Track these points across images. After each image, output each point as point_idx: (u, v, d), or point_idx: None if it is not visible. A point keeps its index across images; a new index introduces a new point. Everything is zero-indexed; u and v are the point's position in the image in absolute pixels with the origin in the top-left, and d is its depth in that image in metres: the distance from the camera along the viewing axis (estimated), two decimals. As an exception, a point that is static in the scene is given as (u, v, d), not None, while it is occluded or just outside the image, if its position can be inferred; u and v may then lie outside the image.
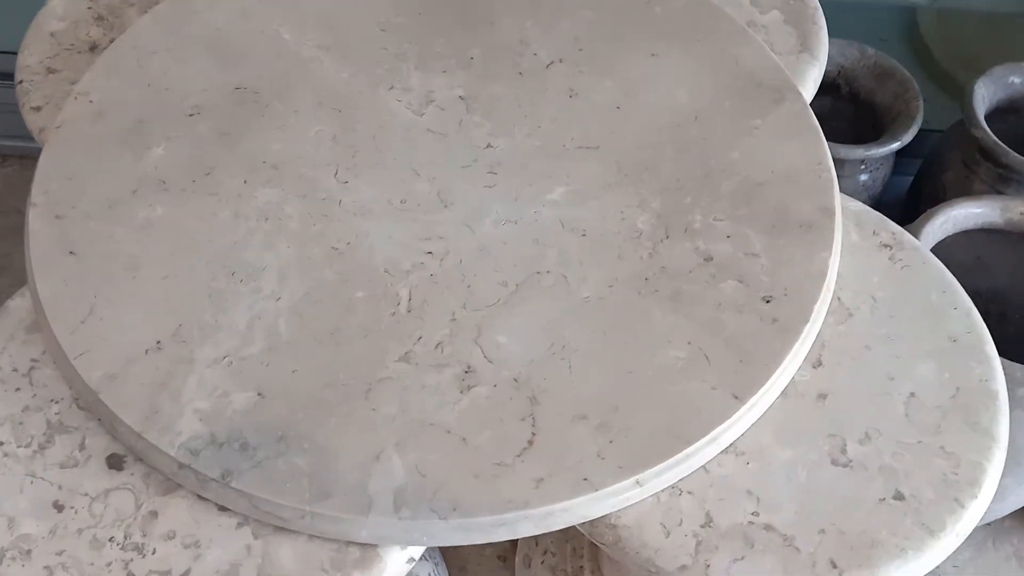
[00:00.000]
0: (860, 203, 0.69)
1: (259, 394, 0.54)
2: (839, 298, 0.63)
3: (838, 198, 0.65)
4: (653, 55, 0.73)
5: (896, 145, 0.95)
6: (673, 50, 0.73)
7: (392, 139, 0.67)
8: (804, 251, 0.62)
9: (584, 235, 0.62)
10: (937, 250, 0.85)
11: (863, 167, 0.97)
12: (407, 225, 0.62)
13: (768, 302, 0.59)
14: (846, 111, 1.06)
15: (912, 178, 1.10)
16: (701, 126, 0.68)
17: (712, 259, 0.61)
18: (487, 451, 0.52)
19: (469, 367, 0.56)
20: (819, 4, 0.82)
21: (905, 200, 1.07)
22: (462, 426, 0.53)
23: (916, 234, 0.82)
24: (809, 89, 0.77)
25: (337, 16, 0.74)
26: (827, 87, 1.05)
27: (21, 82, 0.72)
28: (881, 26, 1.16)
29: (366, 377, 0.55)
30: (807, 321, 0.58)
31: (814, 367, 0.60)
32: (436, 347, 0.56)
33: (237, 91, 0.69)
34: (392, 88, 0.70)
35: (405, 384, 0.55)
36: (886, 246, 0.66)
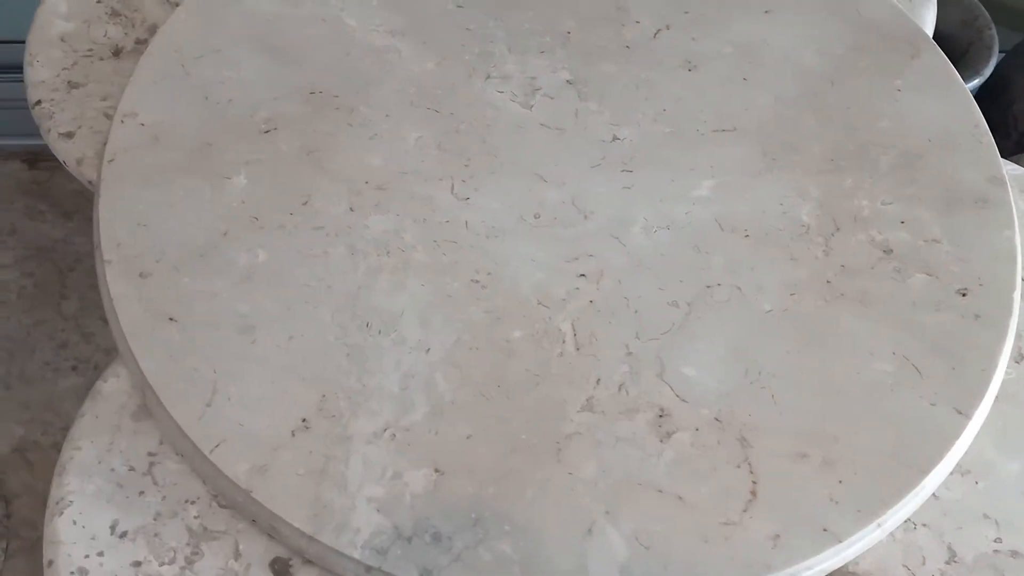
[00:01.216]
0: (1015, 166, 0.64)
1: (436, 470, 0.46)
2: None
3: (1001, 164, 0.59)
4: (767, 12, 0.65)
5: (978, 81, 0.89)
6: (787, 4, 0.65)
7: (504, 140, 0.58)
8: (986, 230, 0.56)
9: (747, 235, 0.55)
10: None
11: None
12: (549, 244, 0.54)
13: (964, 295, 0.53)
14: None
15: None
16: (840, 92, 0.61)
17: (892, 251, 0.55)
18: (709, 509, 0.46)
19: (662, 410, 0.49)
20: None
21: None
22: (674, 482, 0.47)
23: None
24: (928, 31, 0.70)
25: (404, -7, 0.64)
26: (881, 16, 0.98)
27: (39, 102, 0.60)
28: None
29: (551, 434, 0.48)
30: (1011, 314, 0.53)
31: (1016, 362, 0.55)
32: (619, 389, 0.49)
33: (312, 96, 0.59)
34: (489, 77, 0.61)
35: (597, 438, 0.48)
36: (1057, 213, 0.61)
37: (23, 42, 0.64)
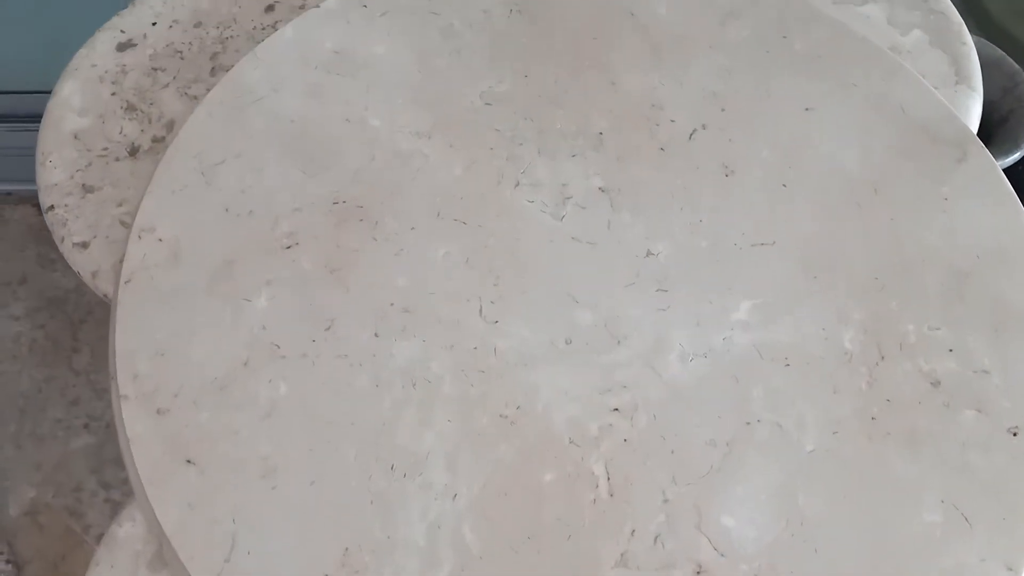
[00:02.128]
0: (1067, 278, 0.61)
1: (464, 634, 0.44)
2: (1076, 408, 0.55)
3: (1056, 283, 0.57)
4: (807, 109, 0.62)
5: (1019, 155, 0.86)
6: (829, 100, 0.63)
7: (534, 255, 0.56)
8: (1038, 362, 0.54)
9: (788, 364, 0.53)
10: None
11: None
12: (581, 372, 0.52)
13: (1015, 435, 0.51)
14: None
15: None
16: (884, 201, 0.59)
17: (940, 383, 0.53)
18: None
19: (700, 566, 0.47)
20: (960, 18, 0.71)
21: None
22: (713, 648, 0.45)
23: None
24: (973, 128, 0.67)
25: (429, 88, 0.62)
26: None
27: (52, 208, 0.58)
28: None
29: (584, 593, 0.46)
30: (1065, 456, 0.51)
31: (1069, 503, 0.53)
32: (655, 541, 0.47)
33: (336, 206, 0.57)
34: (519, 185, 0.58)
35: (632, 597, 0.46)
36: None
37: (32, 92, 0.62)
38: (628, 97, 0.62)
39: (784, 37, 0.65)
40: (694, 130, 0.61)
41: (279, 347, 0.51)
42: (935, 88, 0.66)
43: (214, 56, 0.65)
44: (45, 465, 0.97)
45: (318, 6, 0.65)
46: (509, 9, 0.66)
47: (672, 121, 0.61)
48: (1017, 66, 0.90)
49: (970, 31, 0.94)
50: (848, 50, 0.65)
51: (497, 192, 0.58)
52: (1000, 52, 0.91)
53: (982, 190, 0.60)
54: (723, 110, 0.62)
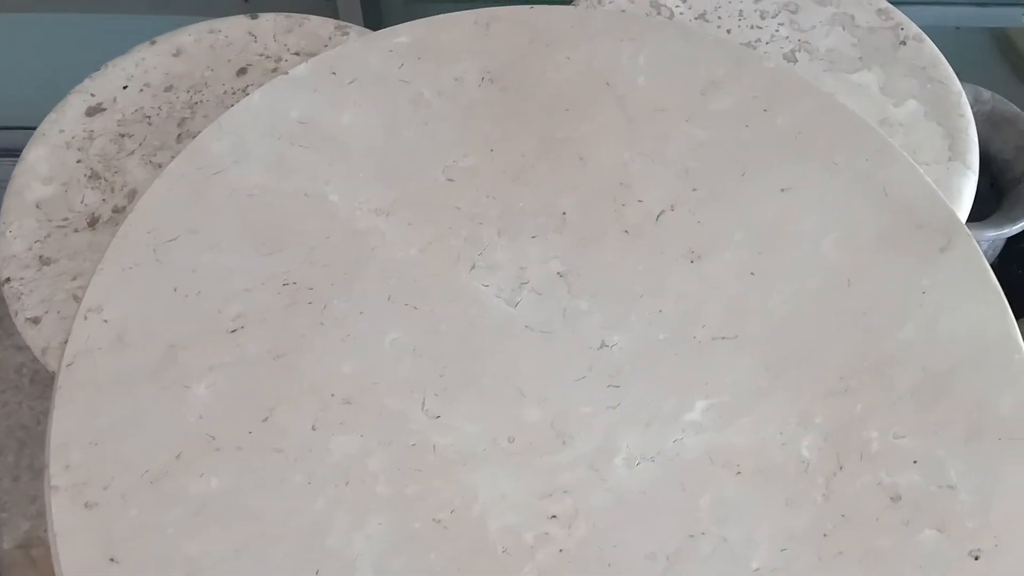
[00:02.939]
0: (1054, 379, 0.58)
1: None
2: (1052, 527, 0.52)
3: (1038, 389, 0.53)
4: (783, 190, 0.60)
5: (1018, 227, 0.82)
6: (807, 180, 0.60)
7: (485, 345, 0.54)
8: (1012, 477, 0.50)
9: (739, 472, 0.50)
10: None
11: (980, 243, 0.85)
12: (522, 475, 0.50)
13: (977, 559, 0.48)
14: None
15: None
16: (858, 293, 0.56)
17: (901, 497, 0.50)
18: None
19: None
20: (961, 88, 0.68)
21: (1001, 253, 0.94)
22: None
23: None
24: (963, 210, 0.64)
25: (394, 163, 0.60)
26: (930, 130, 0.91)
27: (8, 280, 0.58)
28: (966, 50, 1.00)
29: None
30: (1031, 585, 0.48)
31: (1035, 633, 0.50)
32: (584, 663, 0.46)
33: (286, 288, 0.56)
34: (475, 267, 0.57)
35: None
36: (1097, 444, 0.54)
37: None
38: (596, 174, 0.60)
39: (766, 110, 0.63)
40: (662, 211, 0.59)
41: (214, 438, 0.51)
42: (927, 164, 0.63)
43: (182, 122, 0.64)
44: (41, 498, 0.98)
45: (287, 73, 0.64)
46: (481, 77, 0.64)
47: (640, 201, 0.59)
48: (1034, 125, 0.86)
49: (1004, 76, 0.90)
50: (832, 125, 0.62)
51: (452, 274, 0.57)
52: (1016, 109, 0.87)
53: (965, 283, 0.56)
54: (694, 189, 0.60)
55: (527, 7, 0.67)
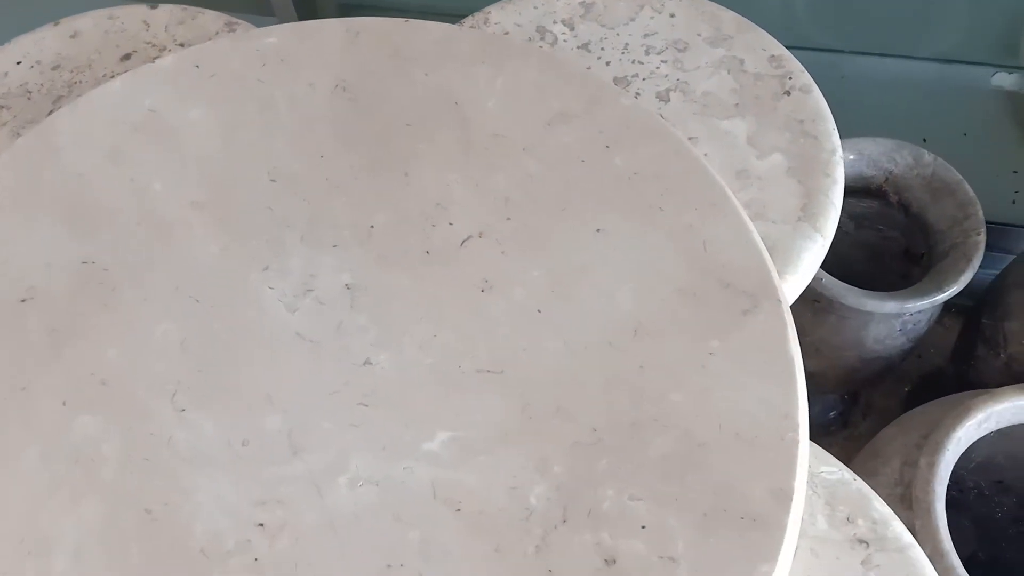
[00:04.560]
0: (841, 467, 0.54)
1: None
2: (782, 620, 0.48)
3: (803, 473, 0.50)
4: (599, 231, 0.58)
5: (941, 297, 0.77)
6: (626, 224, 0.58)
7: (252, 348, 0.54)
8: (740, 560, 0.47)
9: (459, 510, 0.49)
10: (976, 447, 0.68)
11: (903, 314, 0.79)
12: (244, 480, 0.50)
13: (677, 639, 0.45)
14: (898, 218, 0.87)
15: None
16: (640, 347, 0.53)
17: (616, 562, 0.47)
18: None
19: None
20: (839, 146, 0.64)
21: (956, 342, 0.88)
22: None
23: (942, 441, 0.65)
24: (802, 275, 0.60)
25: (224, 160, 0.62)
26: (874, 192, 0.86)
27: None
28: (977, 111, 0.93)
29: None
30: (723, 678, 0.44)
31: None
32: (239, 676, 0.45)
33: (84, 267, 0.57)
34: (267, 269, 0.57)
35: None
36: (862, 542, 0.50)
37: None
38: (416, 192, 0.60)
39: (607, 147, 0.61)
40: (469, 237, 0.58)
41: (-30, 402, 0.53)
42: (772, 223, 0.60)
43: (57, 100, 0.67)
44: None
45: (153, 62, 0.66)
46: (335, 85, 0.65)
47: (450, 224, 0.58)
48: (972, 194, 0.80)
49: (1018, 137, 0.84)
50: (672, 172, 0.60)
51: (243, 275, 0.57)
52: (957, 177, 0.81)
53: (758, 352, 0.53)
54: (508, 219, 0.58)
55: (403, 20, 0.68)
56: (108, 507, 0.50)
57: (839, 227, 0.91)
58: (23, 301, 0.56)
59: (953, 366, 0.94)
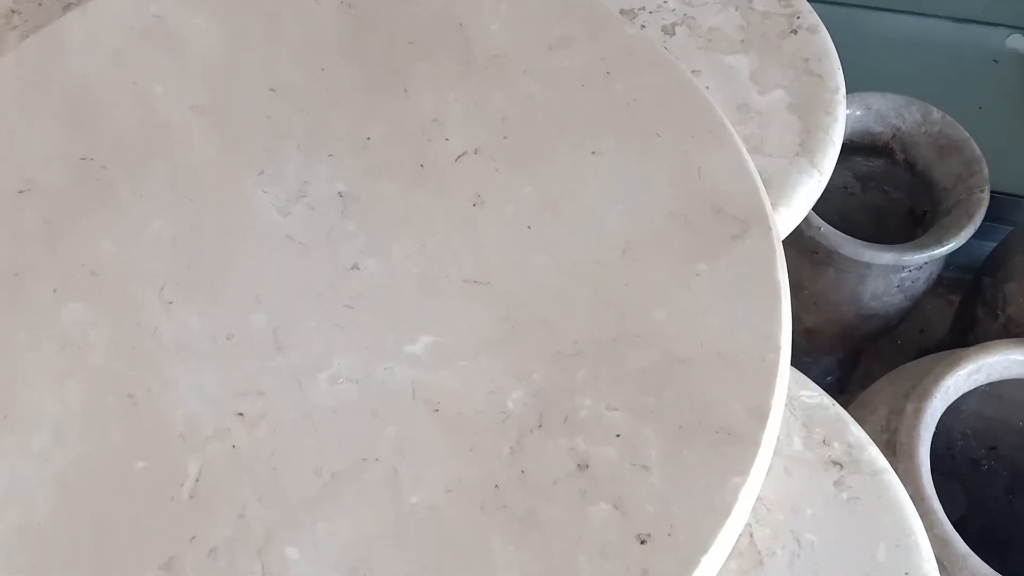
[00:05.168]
0: (820, 392, 0.54)
1: (-12, 594, 0.45)
2: (751, 534, 0.48)
3: (781, 393, 0.50)
4: (594, 153, 0.58)
5: (940, 251, 0.76)
6: (622, 148, 0.58)
7: (242, 247, 0.55)
8: (713, 471, 0.47)
9: (437, 411, 0.49)
10: (962, 402, 0.68)
11: (901, 268, 0.79)
12: (226, 372, 0.51)
13: (643, 543, 0.45)
14: (903, 177, 0.87)
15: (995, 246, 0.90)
16: (627, 266, 0.54)
17: (588, 467, 0.48)
18: None
19: (242, 589, 0.45)
20: (842, 85, 0.64)
21: (957, 310, 0.87)
22: (209, 676, 0.43)
23: (930, 388, 0.65)
24: (797, 208, 0.60)
25: (226, 67, 0.62)
26: (880, 149, 0.85)
27: None
28: (990, 74, 0.92)
29: (117, 587, 0.45)
30: (687, 580, 0.45)
31: (690, 635, 0.46)
32: (209, 554, 0.46)
33: (83, 162, 0.58)
34: (262, 174, 0.58)
35: (160, 603, 0.45)
36: (836, 463, 0.50)
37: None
38: (414, 107, 0.60)
39: (608, 73, 0.61)
40: (464, 152, 0.58)
41: (-37, 284, 0.54)
42: (769, 156, 0.60)
43: (67, 6, 0.68)
44: None
45: (164, -28, 0.66)
46: (341, 1, 0.65)
47: (446, 140, 0.59)
48: (979, 152, 0.80)
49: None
50: (671, 101, 0.60)
51: (237, 177, 0.58)
52: (964, 135, 0.81)
53: (744, 276, 0.53)
54: (505, 138, 0.59)
55: (413, -57, 0.68)
56: (92, 390, 0.50)
57: (845, 188, 0.90)
58: (21, 192, 0.57)
59: (951, 336, 0.94)
